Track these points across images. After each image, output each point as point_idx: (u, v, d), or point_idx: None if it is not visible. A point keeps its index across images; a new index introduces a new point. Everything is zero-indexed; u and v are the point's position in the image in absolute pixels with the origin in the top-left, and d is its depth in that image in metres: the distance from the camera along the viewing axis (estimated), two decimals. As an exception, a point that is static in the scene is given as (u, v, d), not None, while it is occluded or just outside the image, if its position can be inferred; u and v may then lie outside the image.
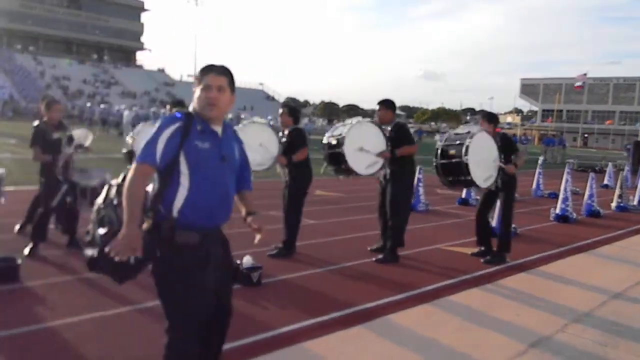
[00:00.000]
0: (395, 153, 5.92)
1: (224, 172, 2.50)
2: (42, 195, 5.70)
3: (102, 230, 2.43)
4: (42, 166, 5.65)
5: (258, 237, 2.79)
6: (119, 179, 2.64)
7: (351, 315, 4.32)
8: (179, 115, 2.46)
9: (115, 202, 2.46)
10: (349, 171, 5.88)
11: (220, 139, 2.51)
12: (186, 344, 2.49)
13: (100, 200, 2.57)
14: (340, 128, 6.12)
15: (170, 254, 2.41)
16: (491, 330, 4.17)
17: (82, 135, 6.52)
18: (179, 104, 6.05)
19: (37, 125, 5.67)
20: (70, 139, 5.79)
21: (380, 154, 5.89)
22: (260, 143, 5.91)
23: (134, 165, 2.40)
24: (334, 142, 5.90)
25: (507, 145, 6.15)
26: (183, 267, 2.42)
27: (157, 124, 2.47)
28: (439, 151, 6.06)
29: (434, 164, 6.10)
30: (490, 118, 6.32)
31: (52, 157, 5.58)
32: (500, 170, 5.96)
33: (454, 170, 5.88)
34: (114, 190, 2.54)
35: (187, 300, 2.44)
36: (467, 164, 5.69)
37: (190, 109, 2.52)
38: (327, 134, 6.19)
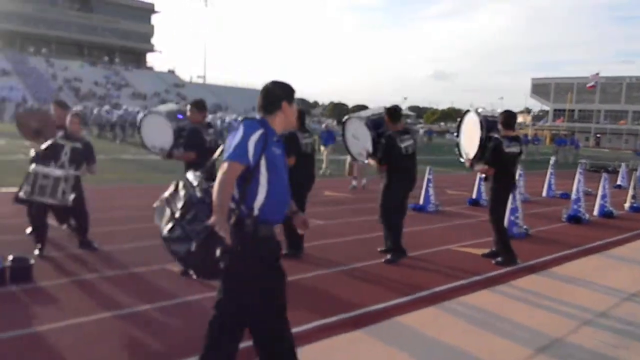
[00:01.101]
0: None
1: (286, 175, 2.86)
2: (78, 203, 5.78)
3: (197, 226, 2.55)
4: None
5: (301, 231, 3.10)
6: (199, 179, 2.78)
7: (360, 316, 4.31)
8: (257, 123, 2.71)
9: (207, 200, 2.59)
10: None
11: (282, 147, 2.89)
12: (233, 325, 2.80)
13: (181, 198, 2.67)
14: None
15: (253, 247, 2.66)
16: (501, 333, 4.14)
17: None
18: (199, 103, 5.98)
19: (54, 127, 5.87)
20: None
21: (365, 154, 6.18)
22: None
23: (226, 164, 2.58)
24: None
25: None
26: (262, 257, 2.70)
27: (241, 128, 2.67)
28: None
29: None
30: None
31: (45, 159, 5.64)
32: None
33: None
34: (198, 189, 2.68)
35: (257, 293, 2.71)
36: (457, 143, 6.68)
37: (258, 117, 2.80)
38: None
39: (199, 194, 2.66)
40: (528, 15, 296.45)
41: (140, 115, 6.29)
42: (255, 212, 2.65)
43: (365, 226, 8.03)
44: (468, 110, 6.62)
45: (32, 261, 4.82)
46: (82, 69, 65.78)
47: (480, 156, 6.17)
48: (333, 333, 3.93)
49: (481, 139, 6.11)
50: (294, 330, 3.94)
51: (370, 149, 6.14)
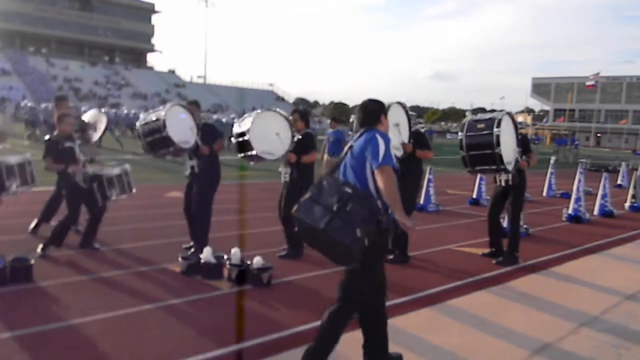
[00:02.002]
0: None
1: None
2: (67, 203, 5.75)
3: (357, 216, 2.90)
4: (60, 175, 5.72)
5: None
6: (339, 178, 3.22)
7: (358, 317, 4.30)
8: (384, 133, 3.26)
9: (359, 194, 3.00)
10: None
11: None
12: (384, 307, 3.35)
13: (333, 194, 2.99)
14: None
15: (384, 238, 3.16)
16: (500, 333, 4.14)
17: (94, 116, 6.64)
18: (196, 103, 6.14)
19: (49, 139, 5.77)
20: (83, 127, 5.91)
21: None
22: (277, 133, 5.84)
23: (386, 168, 3.08)
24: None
25: (523, 144, 6.16)
26: (386, 247, 3.42)
27: (379, 138, 3.16)
28: (464, 143, 5.84)
29: (462, 155, 5.90)
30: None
31: (65, 164, 5.63)
32: (516, 162, 5.90)
33: (485, 161, 5.75)
34: (348, 186, 3.04)
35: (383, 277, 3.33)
36: (500, 155, 5.57)
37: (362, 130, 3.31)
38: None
39: (348, 189, 2.99)
40: (530, 16, 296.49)
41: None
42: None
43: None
44: (496, 119, 5.74)
45: (33, 261, 4.82)
46: (82, 69, 65.79)
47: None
48: (333, 333, 3.92)
49: (517, 140, 5.95)
50: (294, 329, 3.95)
51: (407, 139, 5.92)
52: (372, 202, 3.04)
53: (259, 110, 6.06)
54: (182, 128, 5.78)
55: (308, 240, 3.30)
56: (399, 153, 5.82)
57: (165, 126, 5.62)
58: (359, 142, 3.22)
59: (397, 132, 5.78)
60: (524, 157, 6.12)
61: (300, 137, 6.00)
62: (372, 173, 3.12)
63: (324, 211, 2.91)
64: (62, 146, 5.64)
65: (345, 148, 3.34)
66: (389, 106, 5.77)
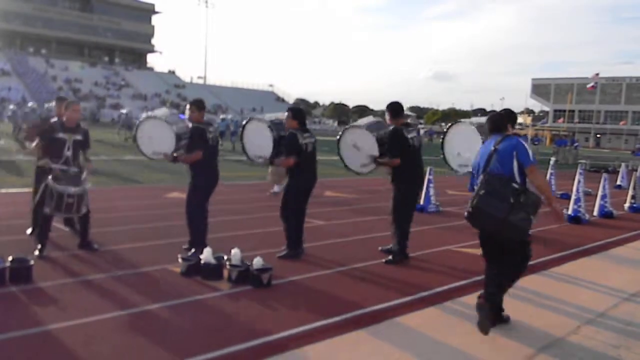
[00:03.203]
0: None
1: None
2: (39, 194, 5.68)
3: (531, 207, 3.88)
4: (37, 168, 5.73)
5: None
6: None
7: (361, 317, 4.31)
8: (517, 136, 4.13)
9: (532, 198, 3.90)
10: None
11: None
12: None
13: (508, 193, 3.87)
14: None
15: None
16: (501, 333, 4.13)
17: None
18: (199, 102, 6.05)
19: (52, 123, 5.77)
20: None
21: (370, 161, 6.13)
22: (260, 144, 6.16)
23: (534, 167, 3.97)
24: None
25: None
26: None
27: (521, 141, 4.07)
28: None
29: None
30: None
31: (49, 157, 5.61)
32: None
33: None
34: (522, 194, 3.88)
35: None
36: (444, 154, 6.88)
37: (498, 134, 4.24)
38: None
39: (515, 185, 3.88)
40: (530, 17, 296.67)
41: (140, 119, 6.31)
42: None
43: (366, 226, 8.03)
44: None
45: (32, 262, 4.82)
46: (82, 69, 65.76)
47: None
48: (334, 333, 3.92)
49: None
50: (295, 330, 3.95)
51: (377, 153, 6.03)
52: (534, 193, 3.90)
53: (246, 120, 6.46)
54: (158, 138, 5.90)
55: (480, 223, 4.07)
56: (366, 170, 6.27)
57: (136, 139, 6.09)
58: (504, 145, 4.04)
59: (356, 151, 6.24)
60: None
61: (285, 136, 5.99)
62: (519, 168, 3.97)
63: (503, 203, 3.81)
64: (55, 134, 5.64)
65: (487, 149, 4.16)
66: (343, 132, 6.44)
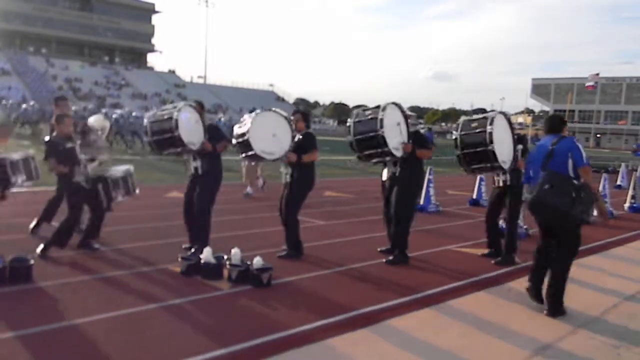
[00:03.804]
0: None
1: None
2: (69, 204, 5.70)
3: (588, 204, 4.38)
4: (60, 176, 5.71)
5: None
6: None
7: (358, 317, 4.31)
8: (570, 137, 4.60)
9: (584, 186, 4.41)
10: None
11: None
12: None
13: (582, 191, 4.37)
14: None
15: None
16: (500, 334, 4.14)
17: (98, 121, 6.65)
18: (198, 103, 6.13)
19: (49, 140, 5.75)
20: (85, 130, 5.92)
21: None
22: (274, 134, 5.85)
23: (589, 168, 4.54)
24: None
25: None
26: None
27: (576, 142, 4.57)
28: (459, 142, 5.82)
29: (457, 154, 5.87)
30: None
31: (70, 166, 5.61)
32: (513, 161, 5.91)
33: (480, 159, 5.74)
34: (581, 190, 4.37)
35: None
36: (493, 152, 5.57)
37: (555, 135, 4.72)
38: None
39: (575, 182, 4.39)
40: (530, 16, 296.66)
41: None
42: None
43: (365, 227, 8.04)
44: (489, 117, 5.79)
45: (32, 261, 4.82)
46: (82, 68, 65.70)
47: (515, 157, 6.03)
48: (332, 334, 3.93)
49: (514, 140, 5.99)
50: (294, 330, 3.95)
51: (406, 139, 5.92)
52: (591, 190, 4.40)
53: (258, 111, 6.08)
54: (191, 129, 5.81)
55: (542, 214, 4.59)
56: (399, 153, 5.84)
57: (178, 127, 5.64)
58: (561, 145, 4.50)
59: (398, 132, 5.81)
60: (522, 157, 6.10)
61: (300, 137, 6.02)
62: (573, 168, 4.43)
63: (565, 197, 4.32)
64: (63, 147, 5.63)
65: (544, 147, 4.59)
66: (385, 107, 5.82)
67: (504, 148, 5.74)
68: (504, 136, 5.81)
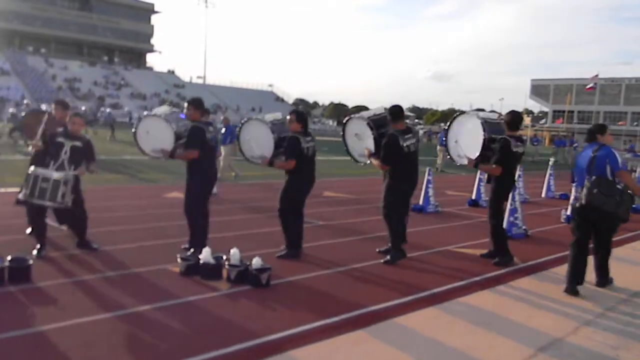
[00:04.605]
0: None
1: None
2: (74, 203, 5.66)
3: (627, 205, 5.05)
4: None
5: None
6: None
7: (359, 317, 4.31)
8: (604, 145, 5.30)
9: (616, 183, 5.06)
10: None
11: None
12: None
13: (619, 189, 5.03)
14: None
15: None
16: (500, 333, 4.14)
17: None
18: (197, 101, 6.03)
19: (57, 130, 5.79)
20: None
21: (367, 153, 6.24)
22: (249, 138, 6.25)
23: (625, 171, 5.19)
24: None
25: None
26: None
27: (612, 149, 5.22)
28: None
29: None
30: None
31: (47, 157, 5.64)
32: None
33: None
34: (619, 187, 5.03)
35: None
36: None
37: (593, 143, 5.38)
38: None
39: (619, 186, 5.01)
40: (529, 17, 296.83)
41: (137, 118, 6.38)
42: None
43: (365, 227, 8.03)
44: (460, 113, 6.65)
45: (31, 261, 4.81)
46: (81, 68, 65.69)
47: (482, 157, 6.14)
48: (333, 334, 3.92)
49: (484, 140, 6.08)
50: (294, 330, 3.95)
51: (372, 149, 6.15)
52: (630, 193, 5.04)
53: (244, 119, 6.53)
54: (154, 138, 5.98)
55: (592, 215, 5.14)
56: (363, 159, 6.47)
57: (137, 140, 6.11)
58: (600, 153, 5.16)
59: (357, 140, 6.43)
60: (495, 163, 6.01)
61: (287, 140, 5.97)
62: (611, 172, 5.07)
63: (611, 200, 4.95)
64: (56, 138, 5.66)
65: (587, 155, 5.26)
66: (349, 119, 6.63)
67: (463, 143, 6.36)
68: (469, 134, 6.30)
